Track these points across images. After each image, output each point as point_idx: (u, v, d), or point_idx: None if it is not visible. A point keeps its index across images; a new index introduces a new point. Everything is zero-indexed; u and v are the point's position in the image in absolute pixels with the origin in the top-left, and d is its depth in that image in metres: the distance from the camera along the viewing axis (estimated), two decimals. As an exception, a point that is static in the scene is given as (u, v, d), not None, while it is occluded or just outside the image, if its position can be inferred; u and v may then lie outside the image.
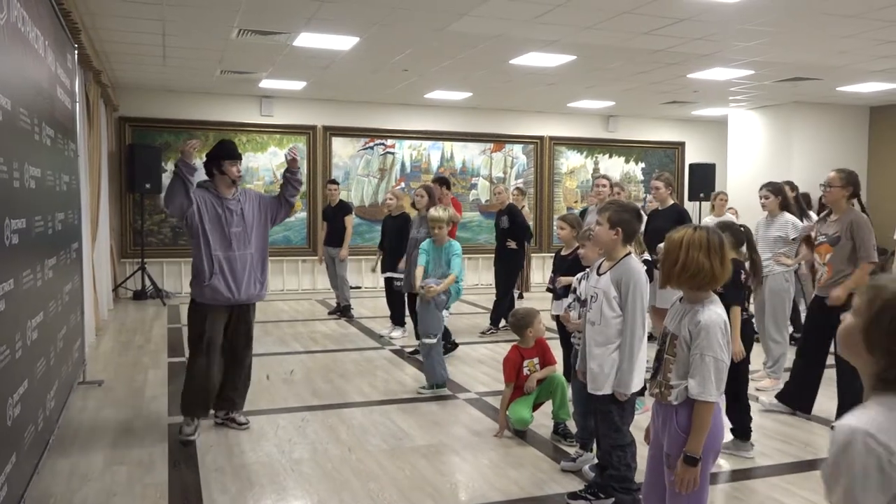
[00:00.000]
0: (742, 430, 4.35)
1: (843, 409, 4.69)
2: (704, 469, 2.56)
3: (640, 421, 4.53)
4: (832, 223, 4.88)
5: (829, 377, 5.03)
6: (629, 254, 3.48)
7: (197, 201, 4.47)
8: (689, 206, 12.38)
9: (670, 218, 5.73)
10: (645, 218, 5.61)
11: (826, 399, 5.06)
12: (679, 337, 2.55)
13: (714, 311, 2.52)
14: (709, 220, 8.25)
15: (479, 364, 6.64)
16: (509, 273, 8.11)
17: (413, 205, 7.14)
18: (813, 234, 5.18)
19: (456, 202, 8.44)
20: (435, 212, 5.78)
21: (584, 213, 7.25)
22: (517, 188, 9.66)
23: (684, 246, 2.50)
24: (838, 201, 4.83)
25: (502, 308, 7.98)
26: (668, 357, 2.60)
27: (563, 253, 5.36)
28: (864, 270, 4.65)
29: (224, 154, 4.58)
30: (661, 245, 2.73)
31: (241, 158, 4.68)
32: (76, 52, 5.78)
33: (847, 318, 1.46)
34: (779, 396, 5.25)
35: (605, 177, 6.83)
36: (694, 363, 2.50)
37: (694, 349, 2.50)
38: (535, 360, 4.71)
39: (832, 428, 1.38)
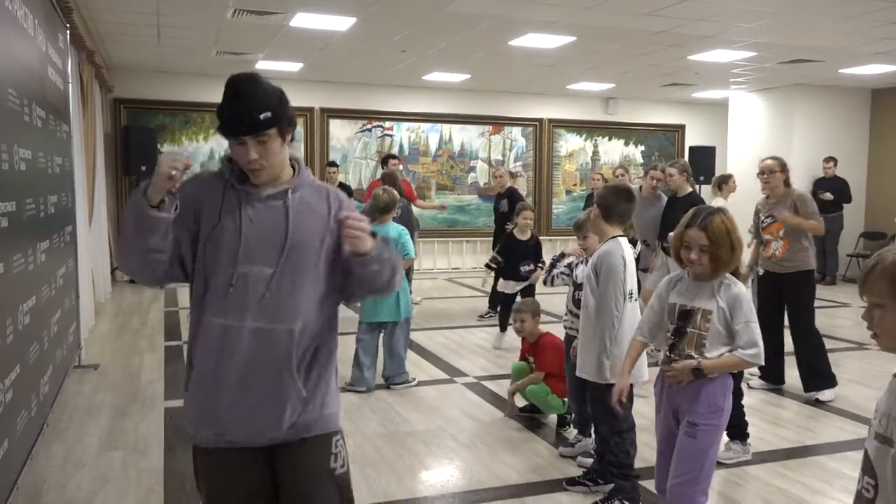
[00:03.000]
0: (740, 430, 4.02)
1: (807, 380, 5.07)
2: (713, 442, 2.65)
3: (642, 409, 4.53)
4: (775, 205, 5.18)
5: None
6: (613, 237, 3.45)
7: (194, 209, 1.97)
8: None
9: (687, 209, 5.70)
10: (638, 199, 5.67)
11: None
12: (713, 311, 2.64)
13: (741, 285, 2.69)
14: (720, 202, 8.15)
15: (478, 348, 6.61)
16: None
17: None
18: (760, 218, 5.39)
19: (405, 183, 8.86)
20: None
21: (589, 196, 7.29)
22: (510, 172, 9.71)
23: (730, 230, 2.64)
24: (778, 186, 5.19)
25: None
26: (697, 332, 2.65)
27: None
28: (820, 222, 5.15)
29: (221, 123, 1.99)
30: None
31: (254, 131, 2.00)
32: (68, 31, 5.69)
33: (874, 315, 1.47)
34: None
35: (622, 166, 7.31)
36: (739, 332, 2.62)
37: (738, 318, 2.62)
38: (531, 360, 4.62)
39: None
